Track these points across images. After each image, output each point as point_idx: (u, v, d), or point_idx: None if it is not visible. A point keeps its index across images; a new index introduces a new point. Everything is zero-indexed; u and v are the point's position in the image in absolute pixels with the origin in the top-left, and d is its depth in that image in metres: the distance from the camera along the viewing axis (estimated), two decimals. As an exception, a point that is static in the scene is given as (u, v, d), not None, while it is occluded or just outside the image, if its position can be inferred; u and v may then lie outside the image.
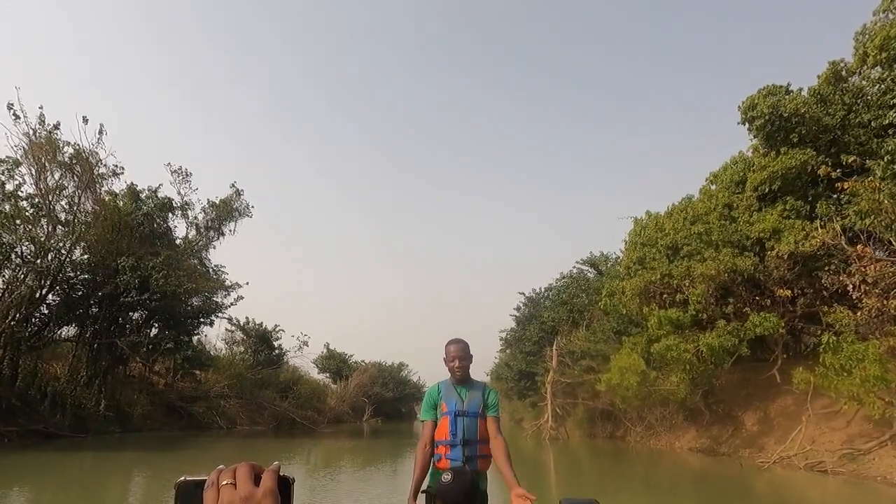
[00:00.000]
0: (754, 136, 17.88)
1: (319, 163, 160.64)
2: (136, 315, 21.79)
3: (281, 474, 0.63)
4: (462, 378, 3.07)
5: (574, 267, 26.92)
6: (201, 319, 24.20)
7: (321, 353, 56.55)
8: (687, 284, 15.74)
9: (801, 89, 16.99)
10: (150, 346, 19.96)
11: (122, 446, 19.03)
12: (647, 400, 17.21)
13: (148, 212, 22.48)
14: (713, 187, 21.97)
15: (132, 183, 23.07)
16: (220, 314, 25.16)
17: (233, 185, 28.72)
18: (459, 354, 3.04)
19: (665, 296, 16.73)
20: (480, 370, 67.79)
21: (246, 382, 30.96)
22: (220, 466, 0.62)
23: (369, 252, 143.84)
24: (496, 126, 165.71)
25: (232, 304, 24.78)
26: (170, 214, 25.11)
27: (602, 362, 23.91)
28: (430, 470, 2.96)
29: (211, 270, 26.42)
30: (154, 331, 22.24)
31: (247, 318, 39.03)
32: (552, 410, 25.68)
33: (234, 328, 38.66)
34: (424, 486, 2.89)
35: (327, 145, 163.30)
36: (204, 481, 0.61)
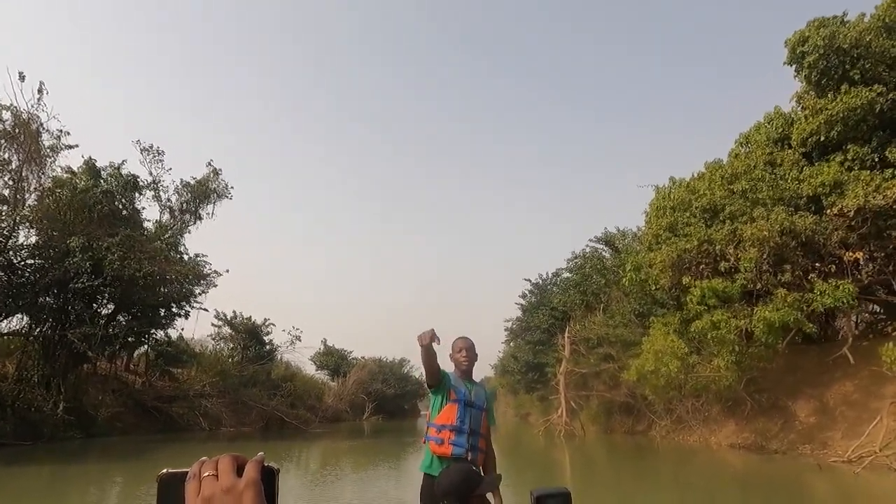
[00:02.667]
0: (804, 78, 15.29)
1: (329, 162, 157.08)
2: (98, 305, 19.26)
3: (265, 464, 0.61)
4: (467, 372, 3.12)
5: (587, 246, 24.45)
6: (173, 310, 21.68)
7: (318, 350, 54.04)
8: (732, 250, 13.17)
9: (862, 15, 14.34)
10: (107, 339, 17.41)
11: (80, 455, 16.55)
12: (684, 389, 14.69)
13: (108, 189, 19.91)
14: (744, 150, 19.41)
15: (90, 157, 20.51)
16: (194, 304, 22.63)
17: (209, 164, 26.18)
18: (466, 346, 3.13)
19: (703, 266, 14.17)
20: (485, 365, 65.37)
21: (231, 380, 28.50)
22: (203, 458, 0.62)
23: (373, 252, 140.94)
24: (501, 127, 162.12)
25: (203, 291, 22.24)
26: (136, 195, 22.53)
27: (622, 349, 21.40)
28: (429, 458, 2.94)
29: (186, 257, 23.91)
30: (121, 322, 19.67)
31: (234, 311, 36.60)
32: (566, 404, 23.17)
33: (220, 323, 36.25)
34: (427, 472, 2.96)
35: (336, 145, 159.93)
36: (186, 473, 0.61)
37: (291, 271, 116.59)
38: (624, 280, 16.36)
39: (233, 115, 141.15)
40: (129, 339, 19.23)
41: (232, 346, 36.53)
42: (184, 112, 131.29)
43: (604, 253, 24.21)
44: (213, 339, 35.98)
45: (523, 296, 36.37)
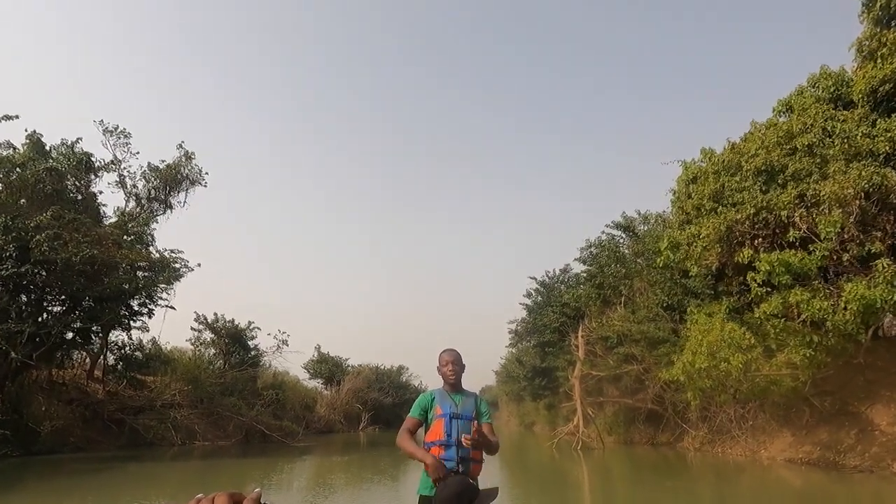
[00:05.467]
0: (873, 18, 12.77)
1: (314, 174, 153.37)
2: (33, 297, 16.47)
3: (262, 503, 0.60)
4: (455, 384, 3.12)
5: (602, 232, 21.79)
6: (134, 307, 18.94)
7: (312, 358, 51.07)
8: (801, 216, 10.51)
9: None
10: (38, 339, 14.61)
11: (13, 477, 13.83)
12: (738, 392, 11.95)
13: (54, 167, 17.25)
14: (782, 119, 16.84)
15: (34, 131, 17.87)
16: (158, 301, 19.88)
17: (180, 146, 23.59)
18: (452, 360, 3.12)
19: (760, 239, 11.50)
20: (487, 371, 62.44)
21: (208, 388, 25.64)
22: (199, 495, 0.60)
23: (371, 262, 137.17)
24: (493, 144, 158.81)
25: (166, 286, 19.47)
26: (93, 177, 19.87)
27: (647, 347, 18.68)
28: (425, 478, 2.84)
29: (153, 249, 21.21)
30: (66, 319, 16.87)
31: (215, 314, 33.84)
32: (583, 412, 20.36)
33: (201, 326, 33.45)
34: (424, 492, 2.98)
35: (315, 153, 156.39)
36: None
37: (286, 281, 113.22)
38: (658, 261, 13.68)
39: (222, 116, 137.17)
40: (74, 339, 16.37)
41: (214, 351, 33.76)
42: (177, 109, 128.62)
43: (621, 240, 21.59)
44: (193, 343, 33.23)
45: (528, 295, 33.62)
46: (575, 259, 22.80)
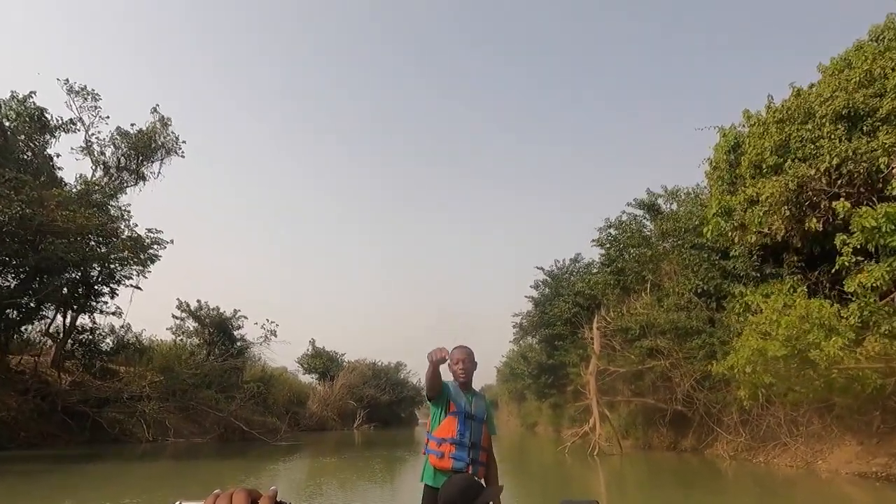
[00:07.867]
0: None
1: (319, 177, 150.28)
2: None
3: (278, 500, 0.61)
4: (465, 383, 3.08)
5: (623, 212, 19.43)
6: (95, 285, 16.65)
7: (306, 352, 48.83)
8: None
9: None
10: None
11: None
12: (814, 390, 9.61)
13: (-3, 121, 14.95)
14: (838, 78, 14.49)
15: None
16: (122, 279, 17.59)
17: (155, 111, 21.26)
18: (464, 357, 3.07)
19: (842, 198, 9.17)
20: (490, 368, 60.07)
21: (185, 380, 23.35)
22: (217, 491, 0.61)
23: (371, 263, 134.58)
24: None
25: (126, 256, 17.14)
26: (49, 138, 17.56)
27: (675, 340, 16.35)
28: (430, 470, 2.90)
29: (124, 226, 18.90)
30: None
31: (199, 301, 31.58)
32: (599, 413, 18.03)
33: (183, 314, 31.20)
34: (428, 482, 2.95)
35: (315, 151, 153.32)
36: None
37: (285, 281, 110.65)
38: (705, 231, 11.37)
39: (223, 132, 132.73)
40: (19, 318, 14.10)
41: (197, 341, 31.51)
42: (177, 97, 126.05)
43: (645, 221, 19.25)
44: (174, 332, 31.00)
45: (536, 286, 31.30)
46: (592, 241, 20.46)
